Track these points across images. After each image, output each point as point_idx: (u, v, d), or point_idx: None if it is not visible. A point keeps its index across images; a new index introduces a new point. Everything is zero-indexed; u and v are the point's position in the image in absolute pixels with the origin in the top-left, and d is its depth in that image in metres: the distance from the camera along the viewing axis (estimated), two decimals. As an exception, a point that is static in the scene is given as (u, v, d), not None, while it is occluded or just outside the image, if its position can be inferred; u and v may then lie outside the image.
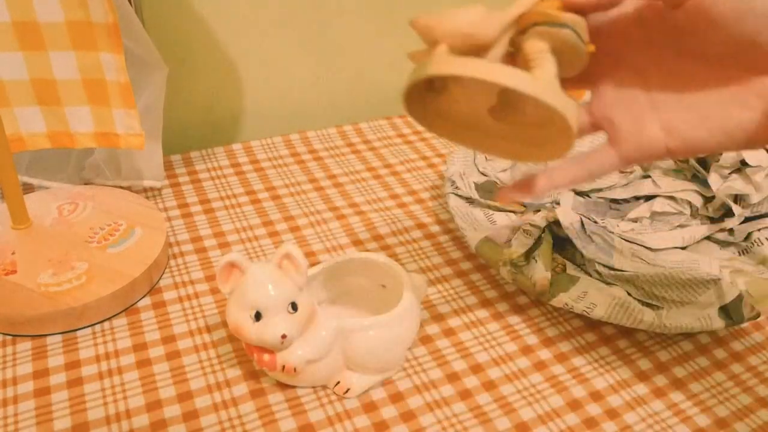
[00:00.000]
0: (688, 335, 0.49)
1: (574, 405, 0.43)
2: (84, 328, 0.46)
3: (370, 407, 0.42)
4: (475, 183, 0.58)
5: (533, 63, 0.29)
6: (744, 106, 0.29)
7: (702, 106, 0.30)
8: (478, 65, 0.28)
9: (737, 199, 0.56)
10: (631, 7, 0.31)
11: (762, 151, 0.57)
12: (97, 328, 0.46)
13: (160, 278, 0.51)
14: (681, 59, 0.30)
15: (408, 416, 0.41)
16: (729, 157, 0.57)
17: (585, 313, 0.46)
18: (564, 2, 0.29)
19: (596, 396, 0.43)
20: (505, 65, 0.28)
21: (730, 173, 0.57)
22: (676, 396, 0.44)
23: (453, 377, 0.44)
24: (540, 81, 0.28)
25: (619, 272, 0.49)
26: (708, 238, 0.55)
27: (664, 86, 0.31)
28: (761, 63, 0.28)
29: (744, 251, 0.53)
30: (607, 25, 0.32)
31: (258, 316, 0.38)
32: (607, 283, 0.49)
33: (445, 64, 0.28)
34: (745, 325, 0.49)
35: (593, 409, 0.42)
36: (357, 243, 0.56)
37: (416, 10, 0.75)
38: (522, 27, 0.30)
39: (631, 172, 0.61)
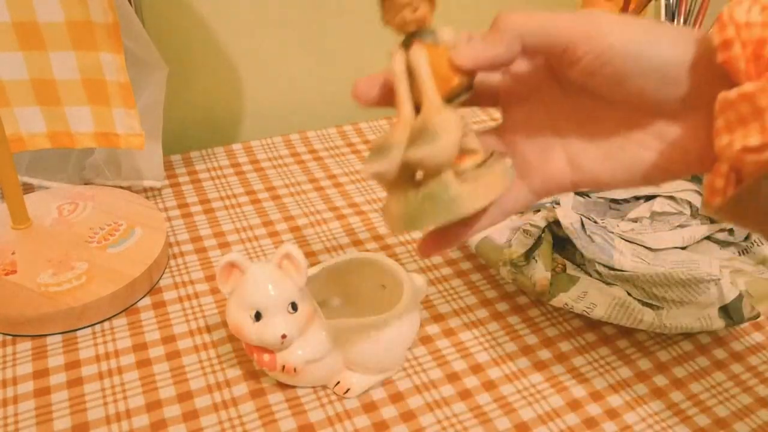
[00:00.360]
0: (688, 335, 0.49)
1: (574, 405, 0.43)
2: (84, 328, 0.46)
3: (370, 407, 0.42)
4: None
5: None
6: (642, 146, 0.30)
7: (605, 143, 0.31)
8: (494, 188, 0.29)
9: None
10: (525, 66, 0.32)
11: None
12: (97, 328, 0.46)
13: (160, 278, 0.51)
14: (585, 100, 0.31)
15: (408, 416, 0.41)
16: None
17: (585, 313, 0.46)
18: (453, 64, 0.29)
19: (596, 396, 0.43)
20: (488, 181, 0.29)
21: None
22: (676, 396, 0.44)
23: (453, 377, 0.44)
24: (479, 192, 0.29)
25: (619, 272, 0.49)
26: (708, 238, 0.55)
27: (570, 121, 0.32)
28: (656, 109, 0.29)
29: (744, 251, 0.53)
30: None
31: (258, 316, 0.38)
32: (607, 283, 0.49)
33: (483, 196, 0.29)
34: (745, 325, 0.49)
35: (593, 409, 0.42)
36: (357, 243, 0.56)
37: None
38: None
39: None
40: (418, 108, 0.29)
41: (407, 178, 0.29)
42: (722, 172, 0.26)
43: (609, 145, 0.31)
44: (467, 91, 0.30)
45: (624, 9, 0.74)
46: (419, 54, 0.29)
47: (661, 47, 0.28)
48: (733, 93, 0.25)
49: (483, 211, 0.31)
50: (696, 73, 0.28)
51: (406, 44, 0.29)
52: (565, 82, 0.31)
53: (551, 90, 0.32)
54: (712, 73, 0.27)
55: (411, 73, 0.29)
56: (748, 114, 0.24)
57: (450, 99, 0.29)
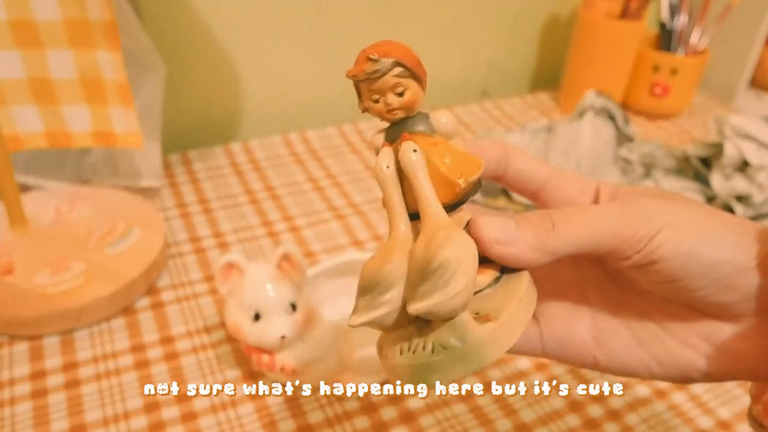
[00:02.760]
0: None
1: (575, 406, 0.42)
2: (82, 328, 0.46)
3: (369, 408, 0.41)
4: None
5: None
6: (685, 344, 0.26)
7: (639, 328, 0.27)
8: (518, 322, 0.23)
9: (740, 199, 0.56)
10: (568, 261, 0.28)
11: (765, 151, 0.56)
12: (95, 328, 0.46)
13: (158, 279, 0.51)
14: (622, 291, 0.27)
15: (408, 417, 0.41)
16: (731, 157, 0.56)
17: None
18: (458, 163, 0.23)
19: (597, 397, 0.43)
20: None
21: (732, 173, 0.57)
22: (678, 397, 0.44)
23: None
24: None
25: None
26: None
27: (600, 292, 0.28)
28: (706, 309, 0.25)
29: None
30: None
31: (257, 317, 0.38)
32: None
33: (507, 337, 0.22)
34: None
35: (594, 411, 0.42)
36: (357, 243, 0.56)
37: (416, 11, 0.75)
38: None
39: (632, 172, 0.61)
40: (413, 214, 0.23)
41: (407, 317, 0.23)
42: None
43: (644, 332, 0.26)
44: (475, 193, 0.24)
45: (626, 7, 0.74)
46: (412, 154, 0.22)
47: (719, 248, 0.23)
48: None
49: None
50: (761, 275, 0.23)
51: (392, 136, 0.23)
52: (608, 270, 0.27)
53: (580, 280, 0.28)
54: None
55: (403, 175, 0.23)
56: None
57: (454, 206, 0.23)
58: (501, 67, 0.86)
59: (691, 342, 0.26)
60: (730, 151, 0.56)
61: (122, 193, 0.57)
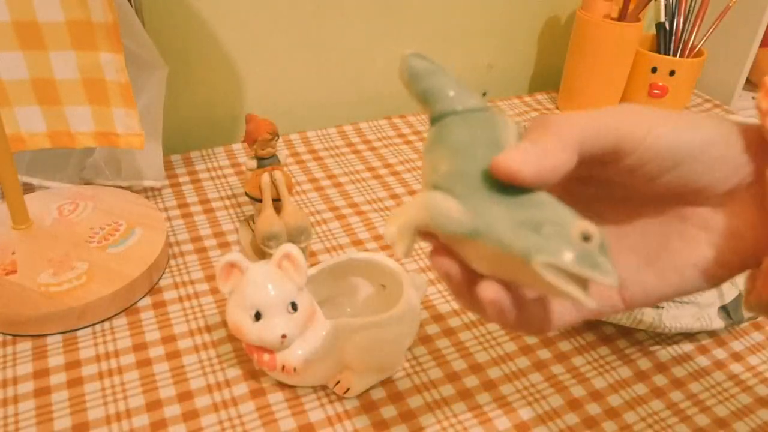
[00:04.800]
0: (688, 335, 0.49)
1: (574, 405, 0.43)
2: (84, 327, 0.46)
3: (369, 407, 0.42)
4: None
5: None
6: (688, 240, 0.27)
7: (643, 245, 0.28)
8: None
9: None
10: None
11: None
12: (98, 328, 0.46)
13: (160, 278, 0.51)
14: (617, 211, 0.28)
15: (408, 416, 0.41)
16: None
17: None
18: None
19: (596, 396, 0.43)
20: None
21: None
22: (676, 396, 0.44)
23: (453, 377, 0.44)
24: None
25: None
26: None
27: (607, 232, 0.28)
28: (698, 198, 0.27)
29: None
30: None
31: (258, 316, 0.38)
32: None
33: None
34: (745, 325, 0.49)
35: (593, 409, 0.42)
36: (357, 243, 0.56)
37: (416, 10, 0.75)
38: None
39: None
40: None
41: None
42: None
43: (647, 247, 0.27)
44: None
45: (624, 9, 0.74)
46: None
47: (702, 130, 0.26)
48: None
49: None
50: (739, 150, 0.26)
51: None
52: (594, 186, 0.28)
53: (579, 195, 0.28)
54: (756, 150, 0.25)
55: None
56: None
57: None
58: (500, 68, 0.87)
59: (693, 236, 0.27)
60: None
61: (124, 193, 0.57)
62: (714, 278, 0.27)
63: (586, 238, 0.21)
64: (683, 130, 0.25)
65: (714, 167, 0.26)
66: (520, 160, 0.23)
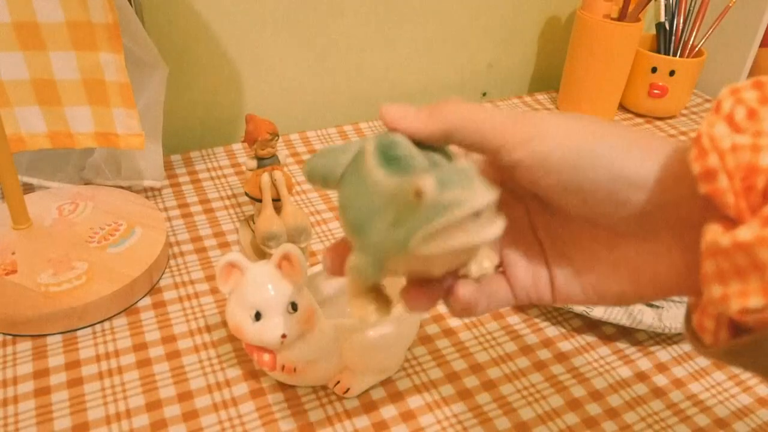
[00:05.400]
0: (688, 335, 0.49)
1: (574, 405, 0.43)
2: (84, 327, 0.46)
3: (369, 407, 0.42)
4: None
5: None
6: (612, 269, 0.26)
7: (578, 262, 0.27)
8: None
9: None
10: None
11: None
12: (98, 327, 0.46)
13: (160, 278, 0.51)
14: (560, 224, 0.28)
15: (408, 416, 0.41)
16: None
17: (585, 313, 0.46)
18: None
19: (596, 396, 0.43)
20: None
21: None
22: (676, 396, 0.44)
23: (453, 377, 0.44)
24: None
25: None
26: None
27: (550, 240, 0.28)
28: (619, 229, 0.25)
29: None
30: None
31: (258, 316, 0.38)
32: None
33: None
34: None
35: (593, 409, 0.42)
36: (357, 243, 0.56)
37: (416, 10, 0.75)
38: None
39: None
40: None
41: None
42: (712, 314, 0.22)
43: (581, 263, 0.27)
44: None
45: (624, 9, 0.74)
46: None
47: (612, 159, 0.23)
48: (725, 240, 0.20)
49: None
50: (663, 191, 0.23)
51: None
52: (549, 214, 0.28)
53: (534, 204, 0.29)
54: (682, 191, 0.23)
55: None
56: (746, 267, 0.20)
57: None
58: (500, 68, 0.87)
59: (615, 265, 0.26)
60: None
61: (124, 193, 0.57)
62: (628, 304, 0.27)
63: (418, 194, 0.21)
64: (584, 154, 0.24)
65: (621, 204, 0.24)
66: (392, 111, 0.26)
